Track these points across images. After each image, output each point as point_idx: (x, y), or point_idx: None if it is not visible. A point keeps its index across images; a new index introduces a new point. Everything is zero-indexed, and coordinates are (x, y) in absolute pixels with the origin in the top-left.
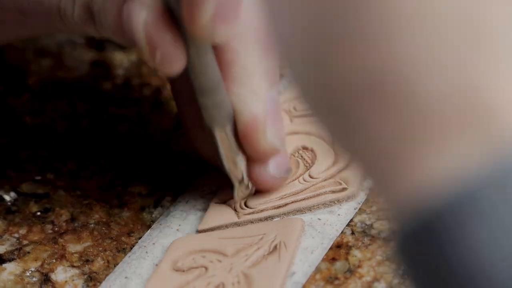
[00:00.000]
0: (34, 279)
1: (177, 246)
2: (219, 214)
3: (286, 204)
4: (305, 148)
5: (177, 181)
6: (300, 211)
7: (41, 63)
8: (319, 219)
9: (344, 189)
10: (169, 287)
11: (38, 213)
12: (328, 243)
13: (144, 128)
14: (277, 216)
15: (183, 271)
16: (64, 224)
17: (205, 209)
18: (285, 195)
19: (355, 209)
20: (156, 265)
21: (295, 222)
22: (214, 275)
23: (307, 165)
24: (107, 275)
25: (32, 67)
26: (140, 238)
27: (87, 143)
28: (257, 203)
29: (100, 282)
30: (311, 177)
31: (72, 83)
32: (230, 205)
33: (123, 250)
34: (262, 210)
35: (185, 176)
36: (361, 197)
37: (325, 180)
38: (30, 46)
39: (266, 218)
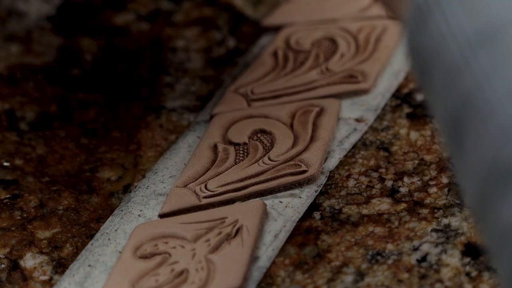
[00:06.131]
0: (2, 265)
1: (139, 232)
2: (180, 197)
3: (246, 187)
4: (263, 131)
5: (146, 167)
6: (261, 194)
7: (10, 48)
8: (280, 202)
9: (304, 172)
10: (133, 275)
11: (6, 200)
12: (291, 226)
13: (113, 113)
14: (238, 199)
15: (147, 257)
16: (32, 210)
17: (166, 194)
18: (245, 177)
19: (316, 191)
20: (119, 252)
21: (257, 205)
22: (177, 261)
23: (266, 148)
24: None
25: (0, 53)
26: None
27: (55, 128)
28: (217, 185)
29: None
30: (270, 159)
31: (41, 68)
32: (190, 189)
33: (92, 236)
34: (222, 193)
35: (154, 162)
36: (322, 179)
37: (284, 162)
38: None
39: (227, 201)
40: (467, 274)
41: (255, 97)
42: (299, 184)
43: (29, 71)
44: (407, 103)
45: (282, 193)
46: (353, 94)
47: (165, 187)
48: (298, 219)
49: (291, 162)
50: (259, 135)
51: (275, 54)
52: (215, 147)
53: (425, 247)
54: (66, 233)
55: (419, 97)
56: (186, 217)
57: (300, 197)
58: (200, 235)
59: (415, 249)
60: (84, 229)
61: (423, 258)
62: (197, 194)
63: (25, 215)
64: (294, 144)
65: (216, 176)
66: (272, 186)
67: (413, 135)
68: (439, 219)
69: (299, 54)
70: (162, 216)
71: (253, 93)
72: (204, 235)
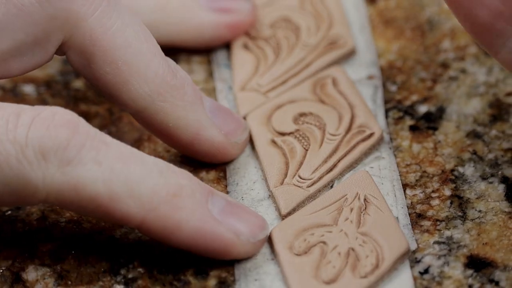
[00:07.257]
0: (4, 278)
1: (278, 234)
2: (288, 194)
3: (335, 165)
4: (302, 114)
5: None
6: (351, 166)
7: None
8: (371, 167)
9: (372, 134)
10: (308, 270)
11: (9, 212)
12: (399, 184)
13: (116, 126)
14: (335, 178)
15: (306, 253)
16: (35, 222)
17: (265, 198)
18: (327, 157)
19: (390, 148)
20: (272, 259)
21: (363, 175)
22: (337, 245)
23: (320, 127)
24: (78, 273)
25: None
26: (111, 235)
27: None
28: (310, 172)
29: (72, 281)
30: (333, 135)
31: (43, 80)
32: (289, 184)
33: (96, 246)
34: (321, 177)
35: None
36: (387, 137)
37: (347, 133)
38: None
39: (328, 183)
40: (470, 286)
41: (266, 89)
42: (374, 147)
43: (32, 84)
44: (410, 115)
45: (367, 160)
46: (343, 58)
47: (259, 192)
48: (399, 177)
49: (354, 131)
50: (302, 119)
51: (246, 47)
52: (273, 142)
53: (428, 259)
54: (68, 245)
55: (421, 109)
56: (310, 208)
57: (384, 158)
58: (336, 217)
59: (418, 261)
60: (87, 241)
61: (426, 271)
62: (299, 186)
63: (27, 227)
64: (340, 116)
65: (300, 165)
66: (357, 157)
67: (416, 147)
68: (442, 231)
69: (268, 40)
70: (286, 216)
71: (260, 85)
72: (340, 216)
